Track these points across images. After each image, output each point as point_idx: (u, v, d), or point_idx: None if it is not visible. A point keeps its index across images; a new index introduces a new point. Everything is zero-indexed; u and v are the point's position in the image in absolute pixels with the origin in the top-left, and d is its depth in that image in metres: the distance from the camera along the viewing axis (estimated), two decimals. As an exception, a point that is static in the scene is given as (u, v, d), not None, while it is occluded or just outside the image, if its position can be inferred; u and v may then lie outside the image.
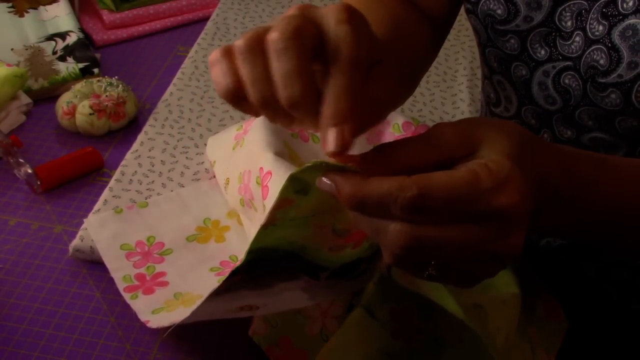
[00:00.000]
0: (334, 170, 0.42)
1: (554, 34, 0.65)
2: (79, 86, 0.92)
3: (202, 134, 0.90)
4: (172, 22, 1.13)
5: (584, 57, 0.62)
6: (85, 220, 0.76)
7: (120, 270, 0.71)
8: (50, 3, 1.08)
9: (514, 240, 0.41)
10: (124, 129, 0.92)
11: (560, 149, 0.48)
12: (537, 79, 0.67)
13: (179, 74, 1.00)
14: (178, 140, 0.89)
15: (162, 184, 0.83)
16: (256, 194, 0.68)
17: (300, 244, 0.50)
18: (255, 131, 0.73)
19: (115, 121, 0.91)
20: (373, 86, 0.46)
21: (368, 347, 0.62)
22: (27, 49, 1.00)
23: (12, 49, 1.00)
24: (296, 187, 0.44)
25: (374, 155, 0.43)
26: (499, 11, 0.66)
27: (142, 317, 0.66)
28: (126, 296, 0.69)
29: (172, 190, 0.81)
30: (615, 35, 0.60)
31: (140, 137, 0.89)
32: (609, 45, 0.60)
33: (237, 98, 0.43)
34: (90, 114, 0.89)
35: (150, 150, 0.87)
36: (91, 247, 0.74)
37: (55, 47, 1.01)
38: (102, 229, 0.75)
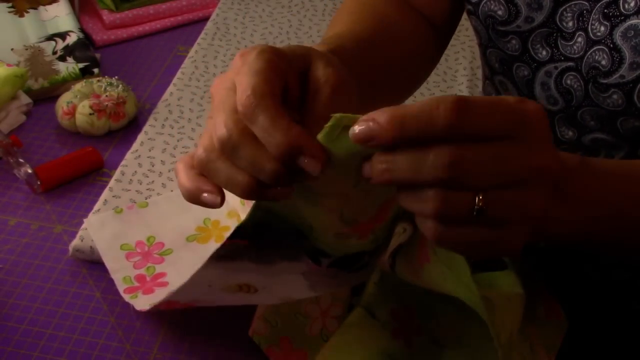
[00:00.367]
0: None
1: (555, 34, 0.65)
2: (79, 86, 0.92)
3: (202, 134, 0.90)
4: (172, 22, 1.13)
5: (585, 57, 0.62)
6: (85, 220, 0.76)
7: (120, 271, 0.71)
8: (50, 3, 1.08)
9: (547, 153, 0.42)
10: (124, 129, 0.92)
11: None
12: (539, 80, 0.67)
13: (179, 74, 1.00)
14: (178, 140, 0.89)
15: (162, 184, 0.83)
16: None
17: (309, 222, 0.49)
18: None
19: (115, 121, 0.91)
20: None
21: (368, 347, 0.62)
22: (27, 49, 1.00)
23: (12, 49, 1.00)
24: None
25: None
26: (499, 12, 0.66)
27: (139, 307, 0.67)
28: (126, 297, 0.69)
29: (172, 190, 0.81)
30: (617, 35, 0.59)
31: (140, 137, 0.89)
32: (611, 45, 0.60)
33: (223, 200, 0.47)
34: (90, 114, 0.89)
35: (150, 150, 0.87)
36: (91, 247, 0.74)
37: (55, 47, 1.01)
38: (102, 229, 0.75)
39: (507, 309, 0.59)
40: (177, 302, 0.64)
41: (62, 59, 1.00)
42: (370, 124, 0.40)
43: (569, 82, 0.65)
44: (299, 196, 0.46)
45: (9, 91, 0.90)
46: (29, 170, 0.82)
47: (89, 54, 1.01)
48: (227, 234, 0.74)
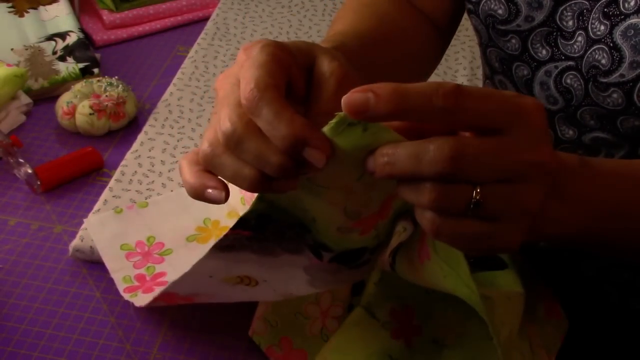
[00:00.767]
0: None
1: (555, 33, 0.65)
2: (79, 86, 0.92)
3: (202, 134, 0.90)
4: (172, 22, 1.13)
5: (585, 57, 0.62)
6: (85, 220, 0.76)
7: (120, 270, 0.71)
8: (50, 3, 1.09)
9: (545, 148, 0.42)
10: (124, 129, 0.92)
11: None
12: (538, 79, 0.67)
13: (179, 74, 1.00)
14: (178, 140, 0.89)
15: (162, 184, 0.83)
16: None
17: (312, 215, 0.49)
18: None
19: (115, 121, 0.91)
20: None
21: (368, 347, 0.62)
22: (27, 49, 1.00)
23: (12, 49, 1.00)
24: None
25: None
26: (500, 11, 0.66)
27: (138, 304, 0.67)
28: (126, 296, 0.69)
29: (172, 190, 0.81)
30: (617, 35, 0.60)
31: (140, 137, 0.89)
32: (611, 45, 0.60)
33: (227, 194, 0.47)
34: (90, 114, 0.89)
35: (150, 150, 0.87)
36: (91, 247, 0.74)
37: (55, 47, 1.01)
38: (102, 229, 0.75)
39: (506, 307, 0.59)
40: (176, 296, 0.64)
41: (62, 59, 1.00)
42: (369, 94, 0.40)
43: (568, 81, 0.65)
44: (303, 189, 0.46)
45: (9, 91, 0.90)
46: (29, 170, 0.82)
47: (89, 54, 1.01)
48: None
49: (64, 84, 0.97)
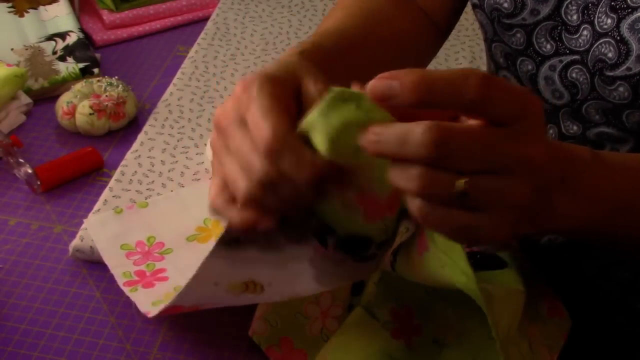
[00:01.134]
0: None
1: (559, 27, 0.65)
2: (79, 86, 0.92)
3: (202, 134, 0.90)
4: (172, 22, 1.13)
5: (591, 50, 0.62)
6: (85, 220, 0.76)
7: (120, 267, 0.72)
8: (50, 3, 1.08)
9: (539, 145, 0.42)
10: (124, 129, 0.92)
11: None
12: (543, 74, 0.67)
13: (179, 74, 1.00)
14: (178, 140, 0.89)
15: (162, 184, 0.83)
16: None
17: None
18: None
19: (115, 121, 0.91)
20: None
21: (368, 347, 0.62)
22: (27, 49, 1.00)
23: (12, 49, 1.00)
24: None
25: None
26: (505, 4, 0.66)
27: (142, 309, 0.67)
28: (125, 290, 0.69)
29: (172, 190, 0.81)
30: (624, 28, 0.59)
31: (140, 137, 0.89)
32: (618, 38, 0.60)
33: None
34: (90, 114, 0.89)
35: (150, 150, 0.87)
36: (91, 247, 0.74)
37: (55, 47, 1.01)
38: (102, 229, 0.75)
39: (505, 301, 0.59)
40: (182, 307, 0.64)
41: (62, 59, 1.00)
42: (394, 83, 0.40)
43: (574, 75, 0.64)
44: None
45: (9, 91, 0.90)
46: (29, 170, 0.82)
47: (89, 54, 1.01)
48: None
49: (64, 84, 0.97)
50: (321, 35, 0.64)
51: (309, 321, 0.67)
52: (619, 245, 0.58)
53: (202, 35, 1.08)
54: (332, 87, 0.44)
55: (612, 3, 0.60)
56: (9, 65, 0.92)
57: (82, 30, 1.06)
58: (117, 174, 0.83)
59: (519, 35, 0.67)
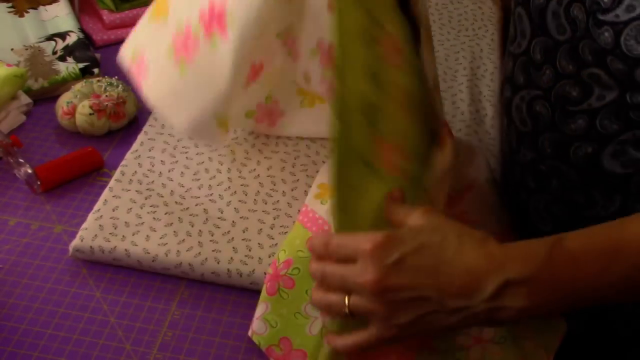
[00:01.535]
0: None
1: None
2: (79, 86, 0.92)
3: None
4: (172, 22, 1.13)
5: None
6: (89, 214, 0.76)
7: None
8: (50, 3, 1.09)
9: (369, 274, 0.54)
10: (124, 129, 0.92)
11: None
12: (551, 8, 0.69)
13: (179, 74, 1.00)
14: (178, 140, 0.89)
15: (162, 184, 0.83)
16: None
17: None
18: None
19: (115, 121, 0.91)
20: None
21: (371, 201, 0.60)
22: (27, 49, 1.00)
23: (12, 49, 1.00)
24: None
25: None
26: None
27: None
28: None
29: (172, 191, 0.82)
30: None
31: (140, 137, 0.89)
32: None
33: None
34: (90, 114, 0.89)
35: (150, 150, 0.87)
36: (91, 247, 0.74)
37: (55, 47, 1.01)
38: None
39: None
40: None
41: (62, 59, 1.00)
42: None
43: (575, 12, 0.66)
44: None
45: (9, 91, 0.90)
46: (29, 170, 0.82)
47: (89, 54, 1.01)
48: None
49: (64, 84, 0.97)
50: None
51: (309, 321, 0.67)
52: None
53: (202, 35, 1.08)
54: None
55: None
56: (9, 65, 0.92)
57: (82, 30, 1.06)
58: (117, 174, 0.83)
59: None
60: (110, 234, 0.76)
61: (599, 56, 0.64)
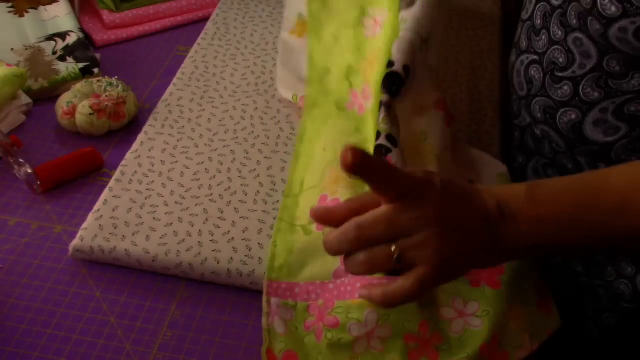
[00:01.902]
0: None
1: None
2: (79, 86, 0.92)
3: (202, 134, 0.90)
4: (172, 22, 1.13)
5: None
6: (89, 214, 0.76)
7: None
8: (50, 3, 1.09)
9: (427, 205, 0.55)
10: (124, 129, 0.92)
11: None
12: None
13: (179, 74, 1.00)
14: (178, 140, 0.89)
15: (162, 184, 0.83)
16: None
17: None
18: None
19: (115, 121, 0.91)
20: None
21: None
22: (27, 49, 1.00)
23: (12, 49, 1.00)
24: None
25: None
26: None
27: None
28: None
29: (172, 191, 0.82)
30: None
31: (140, 137, 0.89)
32: None
33: None
34: (90, 114, 0.89)
35: (150, 150, 0.87)
36: (91, 247, 0.74)
37: (55, 47, 1.01)
38: None
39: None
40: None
41: (62, 59, 1.00)
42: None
43: None
44: None
45: (9, 91, 0.90)
46: (29, 170, 0.82)
47: (89, 54, 1.01)
48: None
49: (64, 84, 0.97)
50: None
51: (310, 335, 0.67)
52: (580, 253, 0.68)
53: (202, 35, 1.08)
54: None
55: None
56: (9, 65, 0.92)
57: (82, 30, 1.06)
58: (117, 174, 0.83)
59: None
60: (110, 234, 0.76)
61: (582, 18, 0.66)
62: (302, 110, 0.90)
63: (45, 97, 0.96)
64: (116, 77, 0.94)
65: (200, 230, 0.77)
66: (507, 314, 0.65)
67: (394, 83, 0.71)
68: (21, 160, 0.83)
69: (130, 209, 0.79)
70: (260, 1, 1.18)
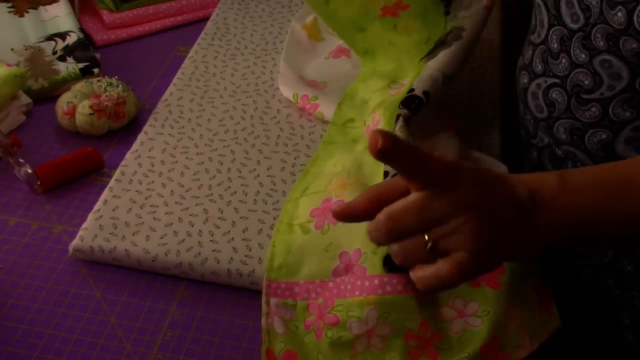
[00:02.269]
0: None
1: None
2: (79, 86, 0.92)
3: (202, 134, 0.90)
4: (172, 22, 1.13)
5: None
6: (89, 215, 0.76)
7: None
8: (50, 3, 1.09)
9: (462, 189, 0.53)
10: (124, 129, 0.92)
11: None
12: None
13: (179, 74, 1.00)
14: (178, 140, 0.89)
15: (162, 184, 0.83)
16: None
17: None
18: None
19: (115, 121, 0.91)
20: None
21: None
22: (27, 49, 1.00)
23: (12, 49, 1.00)
24: None
25: None
26: None
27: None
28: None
29: (172, 191, 0.82)
30: None
31: (140, 137, 0.89)
32: None
33: None
34: (90, 114, 0.89)
35: (150, 150, 0.87)
36: (91, 247, 0.74)
37: (55, 47, 1.01)
38: None
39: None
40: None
41: (62, 59, 1.00)
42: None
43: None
44: None
45: (9, 91, 0.90)
46: (29, 170, 0.82)
47: (89, 54, 1.01)
48: None
49: (64, 84, 0.97)
50: None
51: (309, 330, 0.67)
52: (610, 244, 0.67)
53: (202, 35, 1.08)
54: None
55: None
56: (9, 65, 0.92)
57: (82, 30, 1.06)
58: (117, 174, 0.83)
59: None
60: (110, 234, 0.76)
61: (612, 40, 0.65)
62: (304, 111, 0.92)
63: (45, 97, 0.96)
64: (116, 77, 0.94)
65: (200, 230, 0.77)
66: (507, 314, 0.65)
67: (414, 102, 0.74)
68: (21, 160, 0.83)
69: (130, 209, 0.79)
70: (260, 1, 1.18)
